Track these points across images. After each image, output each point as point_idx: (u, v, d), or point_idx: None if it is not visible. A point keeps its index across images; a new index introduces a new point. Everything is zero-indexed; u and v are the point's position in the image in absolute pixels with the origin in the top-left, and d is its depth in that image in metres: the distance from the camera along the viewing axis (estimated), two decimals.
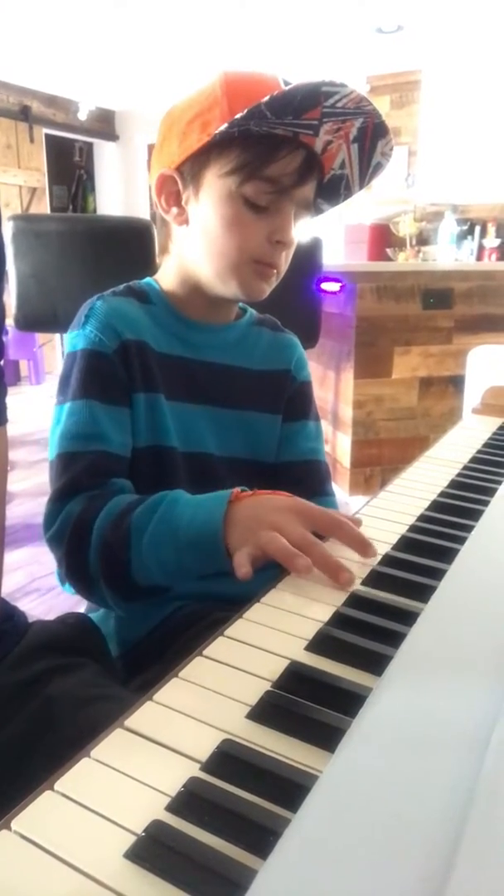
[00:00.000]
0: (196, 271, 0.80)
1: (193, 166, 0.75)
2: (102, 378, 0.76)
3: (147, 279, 0.86)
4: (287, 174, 0.73)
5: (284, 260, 0.79)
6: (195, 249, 0.79)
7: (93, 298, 0.81)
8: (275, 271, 0.78)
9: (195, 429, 0.82)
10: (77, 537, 0.70)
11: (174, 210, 0.79)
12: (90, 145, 7.04)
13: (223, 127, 0.69)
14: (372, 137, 0.74)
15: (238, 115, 0.68)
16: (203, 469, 0.82)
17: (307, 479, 0.89)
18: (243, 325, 0.89)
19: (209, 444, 0.84)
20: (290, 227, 0.76)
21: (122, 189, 7.02)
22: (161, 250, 0.86)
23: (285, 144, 0.72)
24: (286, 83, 0.72)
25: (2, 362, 0.70)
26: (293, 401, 0.91)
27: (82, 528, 0.69)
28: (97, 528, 0.69)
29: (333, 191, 0.81)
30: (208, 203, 0.75)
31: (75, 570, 0.71)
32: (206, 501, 0.66)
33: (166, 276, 0.85)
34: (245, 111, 0.67)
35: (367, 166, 0.78)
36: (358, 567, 0.59)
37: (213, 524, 0.62)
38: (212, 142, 0.72)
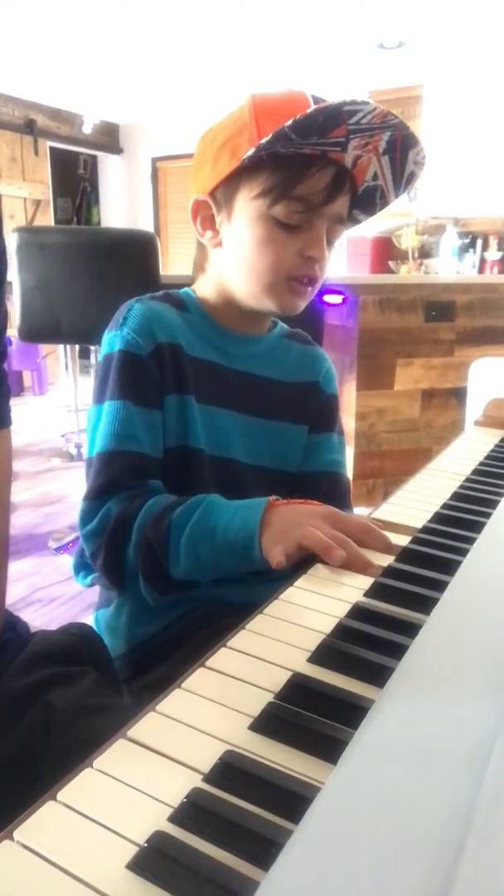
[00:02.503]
0: (232, 289, 0.82)
1: (225, 190, 0.78)
2: (138, 380, 0.78)
3: (185, 289, 0.89)
4: (316, 192, 0.74)
5: (320, 272, 0.80)
6: (231, 269, 0.81)
7: (130, 301, 0.83)
8: (309, 288, 0.80)
9: (224, 434, 0.85)
10: (118, 534, 0.72)
11: (209, 234, 0.82)
12: (94, 158, 7.09)
13: (251, 151, 0.71)
14: (402, 149, 0.75)
15: (264, 140, 0.70)
16: (229, 474, 0.84)
17: (328, 489, 0.90)
18: (274, 337, 0.91)
19: (237, 450, 0.86)
20: (322, 243, 0.77)
21: (125, 202, 7.07)
22: (196, 268, 0.89)
23: (314, 163, 0.73)
24: (315, 99, 0.74)
25: (4, 365, 0.70)
26: (320, 412, 0.93)
27: (123, 525, 0.72)
28: (138, 525, 0.71)
29: (369, 201, 0.82)
30: (241, 225, 0.77)
31: (112, 565, 0.74)
32: (244, 506, 0.69)
33: (203, 289, 0.87)
34: (270, 135, 0.69)
35: (401, 176, 0.79)
36: (361, 578, 0.59)
37: (250, 527, 0.66)
38: (241, 166, 0.74)
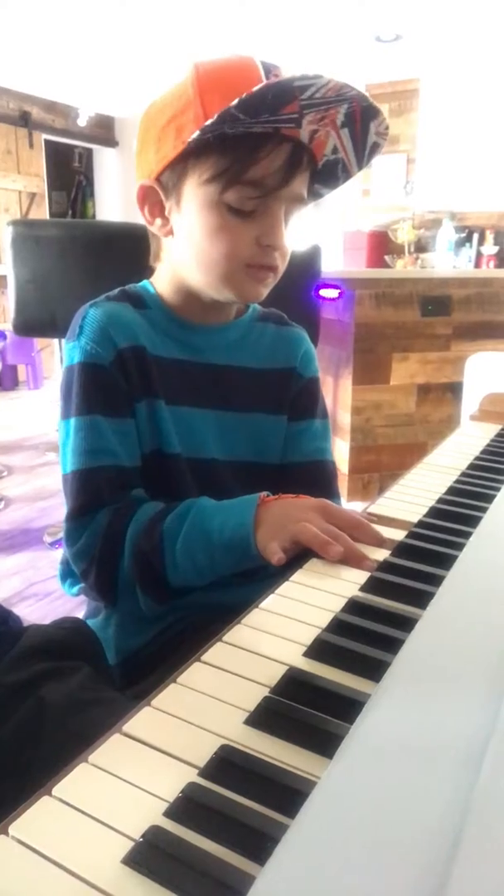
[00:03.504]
0: (188, 279, 0.78)
1: (172, 176, 0.72)
2: (103, 391, 0.75)
3: (143, 283, 0.85)
4: (271, 174, 0.68)
5: (280, 259, 0.75)
6: (184, 259, 0.77)
7: (85, 306, 0.79)
8: (271, 274, 0.75)
9: (198, 433, 0.81)
10: (109, 550, 0.71)
11: (158, 221, 0.77)
12: (89, 151, 7.06)
13: (195, 134, 0.65)
14: (363, 121, 0.70)
15: (209, 122, 0.64)
16: (209, 475, 0.82)
17: (313, 480, 0.87)
18: (245, 321, 0.87)
19: (212, 448, 0.83)
20: (280, 229, 0.72)
21: (121, 195, 7.04)
22: (153, 257, 0.84)
23: (267, 141, 0.67)
24: (265, 66, 0.69)
25: None
26: (299, 398, 0.89)
27: (113, 540, 0.71)
28: (129, 538, 0.70)
29: (331, 175, 0.77)
30: (191, 213, 0.72)
31: (105, 581, 0.73)
32: (235, 506, 0.69)
33: (161, 281, 0.83)
34: (215, 116, 0.63)
35: (363, 148, 0.74)
36: (356, 573, 0.59)
37: (245, 526, 0.66)
38: (187, 149, 0.68)
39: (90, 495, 0.74)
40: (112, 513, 0.73)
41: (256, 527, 0.65)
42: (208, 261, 0.74)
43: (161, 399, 0.78)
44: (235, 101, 0.62)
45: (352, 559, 0.60)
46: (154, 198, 0.76)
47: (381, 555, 0.62)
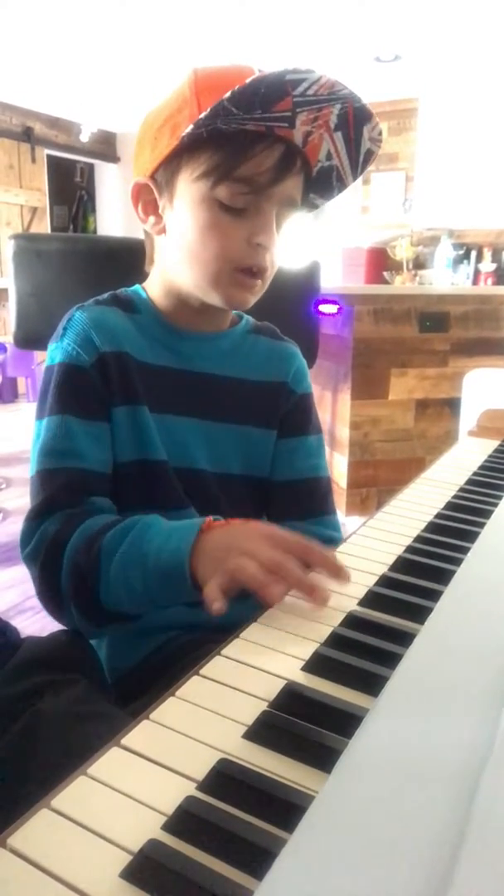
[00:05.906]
0: (178, 281, 0.77)
1: (166, 172, 0.72)
2: (79, 392, 0.74)
3: (135, 287, 0.84)
4: (262, 172, 0.68)
5: (269, 263, 0.74)
6: (175, 258, 0.76)
7: (73, 309, 0.78)
8: (259, 281, 0.74)
9: (185, 442, 0.79)
10: (51, 558, 0.68)
11: (151, 219, 0.76)
12: (91, 166, 7.12)
13: (189, 128, 0.66)
14: (356, 124, 0.70)
15: (202, 115, 0.64)
16: (197, 485, 0.80)
17: (307, 497, 0.86)
18: (238, 333, 0.85)
19: (200, 459, 0.81)
20: (271, 228, 0.71)
21: (122, 210, 7.08)
22: (148, 260, 0.84)
23: (260, 140, 0.67)
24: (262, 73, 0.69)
25: None
26: (291, 415, 0.87)
27: (56, 548, 0.67)
28: (70, 548, 0.67)
29: (325, 184, 0.77)
30: (183, 209, 0.72)
31: (48, 591, 0.70)
32: (177, 529, 0.63)
33: (153, 286, 0.82)
34: (208, 110, 0.64)
35: (357, 155, 0.73)
36: (354, 587, 0.59)
37: (181, 554, 0.60)
38: (181, 145, 0.68)
39: (49, 496, 0.71)
40: (62, 520, 0.69)
41: (197, 556, 0.59)
42: (198, 259, 0.73)
43: (144, 405, 0.77)
44: (228, 94, 0.62)
45: (300, 588, 0.55)
46: (148, 195, 0.76)
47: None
